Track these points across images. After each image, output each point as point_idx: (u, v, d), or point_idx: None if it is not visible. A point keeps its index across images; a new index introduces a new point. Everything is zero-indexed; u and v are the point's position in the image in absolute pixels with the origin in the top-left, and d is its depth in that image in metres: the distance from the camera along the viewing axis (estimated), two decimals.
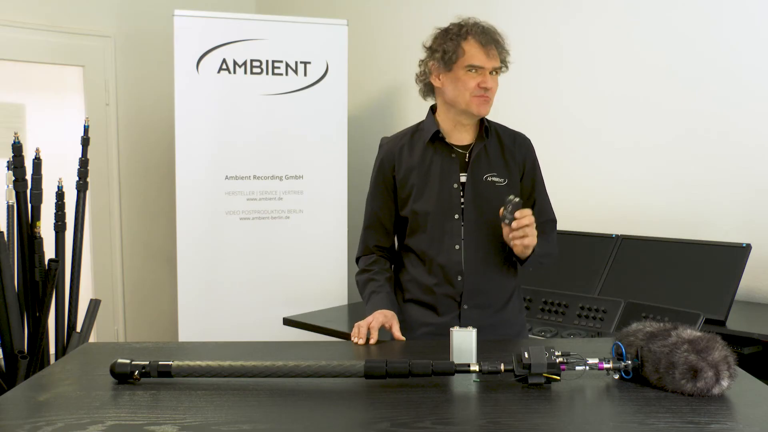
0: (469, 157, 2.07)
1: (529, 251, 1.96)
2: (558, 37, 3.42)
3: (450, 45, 2.00)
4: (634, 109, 3.17)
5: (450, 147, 2.07)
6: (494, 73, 2.01)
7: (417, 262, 2.11)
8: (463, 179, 2.06)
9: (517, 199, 1.89)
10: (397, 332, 1.97)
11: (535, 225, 1.91)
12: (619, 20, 3.21)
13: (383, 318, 1.98)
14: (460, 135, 2.08)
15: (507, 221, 1.90)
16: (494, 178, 2.06)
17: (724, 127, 2.91)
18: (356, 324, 1.97)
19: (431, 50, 2.06)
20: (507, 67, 2.07)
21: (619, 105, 3.22)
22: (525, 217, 1.88)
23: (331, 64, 3.79)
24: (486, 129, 2.08)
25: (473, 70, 1.98)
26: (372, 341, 1.91)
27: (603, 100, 3.28)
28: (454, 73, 2.00)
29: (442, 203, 2.05)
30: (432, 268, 2.07)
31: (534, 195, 2.13)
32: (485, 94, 2.00)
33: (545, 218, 2.14)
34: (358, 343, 1.91)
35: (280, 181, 3.77)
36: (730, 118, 2.90)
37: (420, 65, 2.10)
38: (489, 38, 2.00)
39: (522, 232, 1.88)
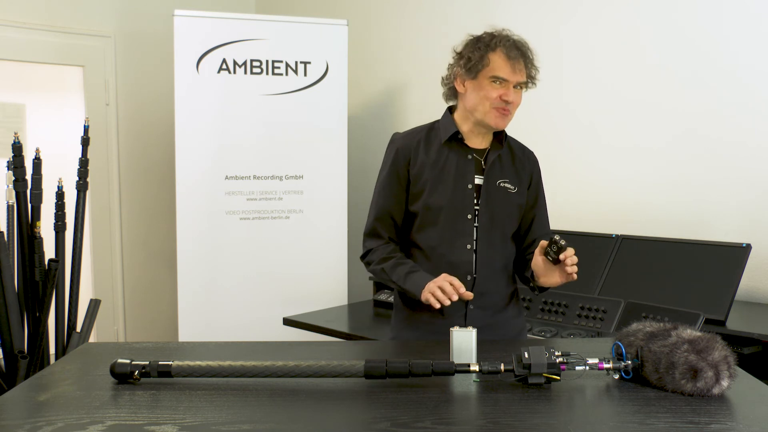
0: (486, 161, 2.09)
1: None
2: (558, 37, 3.42)
3: (477, 53, 2.00)
4: (634, 109, 3.17)
5: (467, 148, 2.09)
6: (519, 87, 2.02)
7: (423, 260, 2.10)
8: (478, 181, 2.08)
9: (563, 242, 1.87)
10: (462, 288, 1.91)
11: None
12: (620, 20, 3.21)
13: (447, 277, 1.94)
14: (477, 139, 2.10)
15: (550, 257, 1.90)
16: (506, 185, 2.10)
17: (724, 127, 2.91)
18: (433, 289, 1.90)
19: (459, 55, 2.06)
20: (534, 84, 2.07)
21: (619, 105, 3.23)
22: (573, 255, 1.88)
23: (331, 64, 3.79)
24: (504, 135, 2.11)
25: (497, 82, 1.99)
26: (462, 290, 1.89)
27: (603, 100, 3.28)
28: (478, 82, 2.01)
29: (455, 202, 2.06)
30: (441, 265, 2.05)
31: (535, 209, 2.17)
32: (506, 107, 2.00)
33: (544, 231, 2.18)
34: (451, 299, 1.88)
35: (280, 181, 3.77)
36: (730, 118, 2.90)
37: (448, 69, 2.11)
38: (518, 52, 2.00)
39: (575, 268, 1.89)
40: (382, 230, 2.14)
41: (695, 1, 2.97)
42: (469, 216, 2.06)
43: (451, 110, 2.14)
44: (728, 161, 2.90)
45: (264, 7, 4.89)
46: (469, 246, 2.06)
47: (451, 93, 2.12)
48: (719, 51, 2.92)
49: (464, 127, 2.09)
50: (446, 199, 2.06)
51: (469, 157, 2.08)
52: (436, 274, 2.01)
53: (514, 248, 2.17)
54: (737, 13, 2.87)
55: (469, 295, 1.93)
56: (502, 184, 2.09)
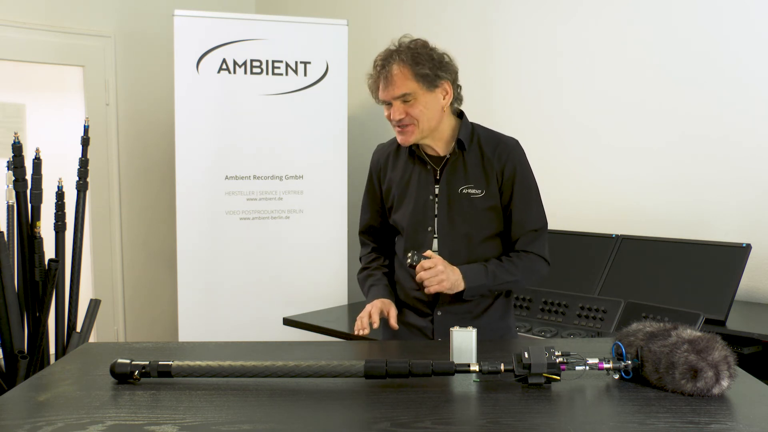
0: (442, 170, 2.06)
1: (452, 291, 1.96)
2: (557, 38, 3.42)
3: (371, 85, 2.06)
4: (633, 110, 3.17)
5: (426, 159, 2.08)
6: (408, 100, 1.95)
7: (401, 266, 2.15)
8: (437, 191, 2.07)
9: (408, 260, 1.92)
10: (392, 320, 2.01)
11: (437, 269, 1.91)
12: (619, 21, 3.21)
13: (381, 305, 2.02)
14: (438, 147, 2.07)
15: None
16: (470, 190, 2.04)
17: (724, 127, 2.91)
18: (358, 317, 2.01)
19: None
20: (434, 78, 1.96)
21: (618, 106, 3.22)
22: (422, 272, 1.91)
23: (331, 64, 3.79)
24: (459, 142, 2.04)
25: (384, 104, 2.02)
26: (375, 326, 1.97)
27: (602, 101, 3.28)
28: None
29: (416, 215, 2.07)
30: (407, 274, 2.10)
31: (512, 205, 2.04)
32: (398, 125, 1.99)
33: (526, 229, 2.06)
34: (363, 333, 1.95)
35: (280, 181, 3.77)
36: (729, 119, 2.90)
37: None
38: (382, 69, 1.98)
39: (427, 282, 1.91)
40: (367, 240, 2.29)
41: (695, 1, 2.97)
42: (429, 228, 2.06)
43: None
44: (728, 161, 2.90)
45: (264, 7, 4.89)
46: None
47: None
48: (719, 51, 2.92)
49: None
50: (409, 213, 2.08)
51: (428, 167, 2.08)
52: (407, 282, 2.10)
53: (495, 251, 2.09)
54: (737, 14, 2.87)
55: (394, 326, 2.00)
56: (464, 191, 2.04)
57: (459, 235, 2.05)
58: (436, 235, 2.06)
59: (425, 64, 1.95)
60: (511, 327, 2.18)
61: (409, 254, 1.93)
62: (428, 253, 1.95)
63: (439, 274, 1.91)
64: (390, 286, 2.16)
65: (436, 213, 2.06)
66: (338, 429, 1.33)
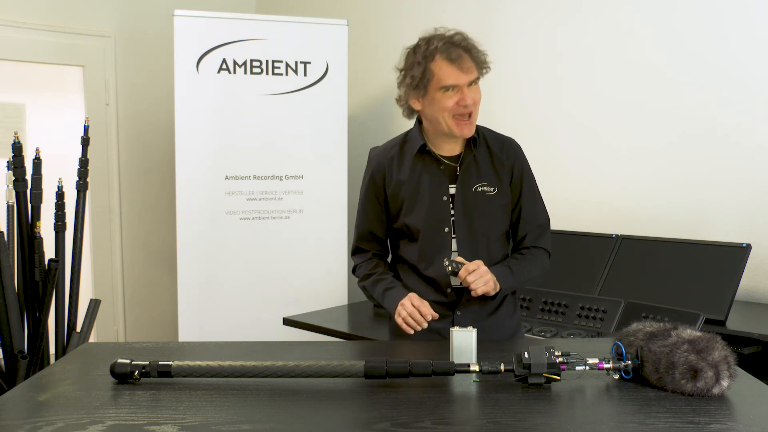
0: (459, 168, 2.05)
1: (494, 292, 1.97)
2: (557, 38, 3.42)
3: (418, 69, 1.93)
4: (633, 110, 3.17)
5: (438, 159, 2.05)
6: (473, 84, 1.95)
7: (409, 272, 2.11)
8: (452, 191, 2.04)
9: (449, 268, 1.93)
10: (431, 311, 1.97)
11: (482, 270, 1.92)
12: (619, 21, 3.20)
13: (418, 298, 1.98)
14: (448, 146, 2.06)
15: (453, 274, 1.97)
16: (485, 188, 2.04)
17: (724, 127, 2.91)
18: (402, 316, 1.96)
19: (403, 75, 1.99)
20: (488, 68, 1.99)
21: (618, 106, 3.22)
22: (469, 274, 1.91)
23: (331, 64, 3.79)
24: (474, 140, 2.04)
25: (448, 90, 1.92)
26: (428, 318, 1.93)
27: (602, 101, 3.28)
28: (430, 96, 1.95)
29: (432, 217, 2.04)
30: (423, 279, 2.08)
31: (521, 202, 2.09)
32: (466, 111, 1.94)
33: (534, 225, 2.11)
34: (420, 328, 1.93)
35: (280, 181, 3.77)
36: (730, 119, 2.90)
37: (398, 88, 2.04)
38: (458, 50, 1.91)
39: (474, 285, 1.91)
40: (365, 247, 2.19)
41: (695, 1, 2.97)
42: (447, 229, 2.04)
43: (420, 120, 2.10)
44: (728, 161, 2.90)
45: (264, 7, 4.89)
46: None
47: (410, 111, 2.07)
48: (719, 51, 2.92)
49: (432, 137, 2.05)
50: (423, 217, 2.04)
51: (441, 167, 2.05)
52: (419, 288, 2.06)
53: (505, 249, 2.13)
54: (737, 14, 2.87)
55: (435, 316, 1.96)
56: (479, 189, 2.04)
57: (477, 234, 2.04)
58: (454, 236, 2.04)
59: (482, 51, 1.97)
60: (519, 325, 2.20)
61: (446, 261, 1.93)
62: (459, 258, 1.96)
63: (485, 274, 1.92)
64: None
65: (452, 213, 2.04)
66: (338, 429, 1.33)
